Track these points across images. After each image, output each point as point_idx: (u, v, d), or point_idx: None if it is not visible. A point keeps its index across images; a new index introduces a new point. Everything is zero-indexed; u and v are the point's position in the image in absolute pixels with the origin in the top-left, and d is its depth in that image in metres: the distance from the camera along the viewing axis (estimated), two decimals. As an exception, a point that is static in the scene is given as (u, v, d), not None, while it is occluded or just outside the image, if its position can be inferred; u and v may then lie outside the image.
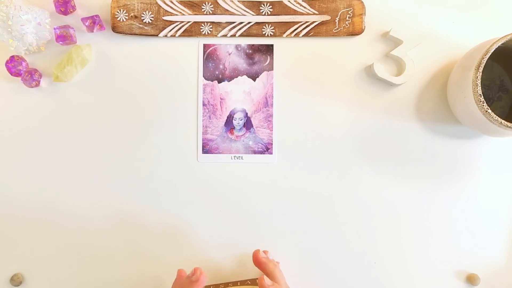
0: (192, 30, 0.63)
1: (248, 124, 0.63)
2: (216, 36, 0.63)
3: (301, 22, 0.63)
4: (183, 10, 0.62)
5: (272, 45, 0.63)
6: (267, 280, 0.52)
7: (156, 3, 0.62)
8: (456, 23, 0.63)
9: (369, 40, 0.63)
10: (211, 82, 0.63)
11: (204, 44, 0.63)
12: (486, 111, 0.52)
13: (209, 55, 0.63)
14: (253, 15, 0.63)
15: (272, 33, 0.63)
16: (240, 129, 0.63)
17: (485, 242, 0.63)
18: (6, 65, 0.60)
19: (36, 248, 0.62)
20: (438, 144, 0.63)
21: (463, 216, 0.63)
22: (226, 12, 0.63)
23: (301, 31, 0.63)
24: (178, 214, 0.62)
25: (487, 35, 0.58)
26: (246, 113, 0.63)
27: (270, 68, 0.63)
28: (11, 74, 0.60)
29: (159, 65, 0.63)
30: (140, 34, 0.62)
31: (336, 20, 0.62)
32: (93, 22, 0.61)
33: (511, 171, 0.63)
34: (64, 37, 0.60)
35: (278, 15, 0.63)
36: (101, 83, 0.63)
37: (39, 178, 0.62)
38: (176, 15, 0.62)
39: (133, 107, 0.63)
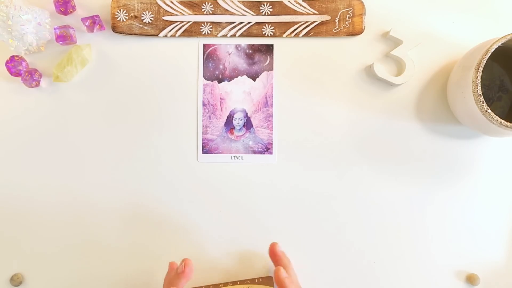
0: (192, 30, 0.63)
1: (248, 124, 0.63)
2: (216, 36, 0.63)
3: (301, 22, 0.63)
4: (183, 10, 0.62)
5: (272, 45, 0.63)
6: (283, 272, 0.52)
7: (156, 3, 0.62)
8: (456, 23, 0.63)
9: (369, 40, 0.63)
10: (211, 82, 0.63)
11: (204, 44, 0.63)
12: (486, 111, 0.52)
13: (209, 55, 0.63)
14: (253, 15, 0.63)
15: (272, 33, 0.63)
16: (240, 129, 0.63)
17: (485, 242, 0.63)
18: (6, 65, 0.60)
19: (36, 248, 0.62)
20: (438, 144, 0.63)
21: (463, 216, 0.63)
22: (226, 12, 0.63)
23: (301, 31, 0.63)
24: (178, 214, 0.62)
25: (487, 35, 0.58)
26: (246, 113, 0.63)
27: (270, 68, 0.63)
28: (11, 74, 0.60)
29: (159, 65, 0.63)
30: (140, 34, 0.62)
31: (336, 20, 0.62)
32: (93, 22, 0.61)
33: (511, 171, 0.63)
34: (64, 37, 0.60)
35: (278, 15, 0.63)
36: (101, 83, 0.63)
37: (39, 178, 0.62)
38: (176, 15, 0.62)
39: (133, 107, 0.63)
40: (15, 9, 0.58)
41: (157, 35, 0.62)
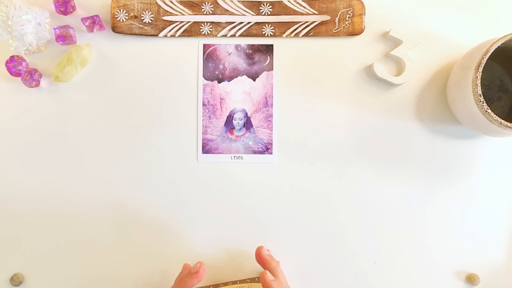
0: (192, 30, 0.63)
1: (248, 124, 0.63)
2: (216, 36, 0.63)
3: (301, 22, 0.63)
4: (183, 10, 0.62)
5: (272, 45, 0.63)
6: (269, 275, 0.52)
7: (156, 3, 0.62)
8: (456, 23, 0.63)
9: (369, 40, 0.63)
10: (211, 82, 0.63)
11: (204, 44, 0.63)
12: (486, 111, 0.52)
13: (209, 55, 0.63)
14: (253, 15, 0.63)
15: (272, 33, 0.63)
16: (240, 129, 0.63)
17: (485, 242, 0.63)
18: (6, 65, 0.60)
19: (36, 248, 0.62)
20: (438, 144, 0.63)
21: (463, 216, 0.63)
22: (226, 12, 0.63)
23: (301, 31, 0.63)
24: (178, 214, 0.62)
25: (487, 35, 0.58)
26: (246, 113, 0.63)
27: (270, 68, 0.63)
28: (11, 74, 0.60)
29: (159, 65, 0.63)
30: (140, 34, 0.62)
31: (336, 20, 0.62)
32: (93, 22, 0.61)
33: (511, 171, 0.63)
34: (64, 37, 0.60)
35: (278, 15, 0.63)
36: (101, 83, 0.63)
37: (39, 178, 0.62)
38: (176, 15, 0.62)
39: (133, 107, 0.63)
40: (15, 9, 0.58)
41: (157, 35, 0.62)
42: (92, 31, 0.62)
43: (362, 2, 0.62)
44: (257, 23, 0.63)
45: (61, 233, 0.62)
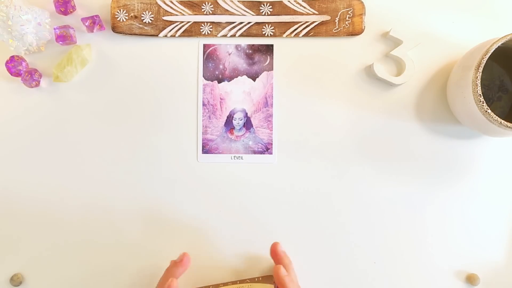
0: (192, 30, 0.63)
1: (248, 124, 0.63)
2: (216, 36, 0.63)
3: (301, 22, 0.63)
4: (183, 10, 0.62)
5: (272, 45, 0.63)
6: (283, 270, 0.53)
7: (156, 3, 0.62)
8: (456, 23, 0.63)
9: (369, 40, 0.63)
10: (211, 82, 0.63)
11: (204, 44, 0.63)
12: (486, 111, 0.52)
13: (209, 55, 0.63)
14: (253, 15, 0.63)
15: (272, 33, 0.63)
16: (240, 129, 0.63)
17: (485, 242, 0.63)
18: (6, 65, 0.60)
19: (36, 248, 0.62)
20: (438, 144, 0.63)
21: (463, 216, 0.63)
22: (226, 12, 0.63)
23: (301, 31, 0.63)
24: (178, 214, 0.62)
25: (487, 35, 0.58)
26: (246, 113, 0.63)
27: (270, 68, 0.63)
28: (11, 74, 0.60)
29: (159, 65, 0.63)
30: (140, 34, 0.62)
31: (336, 20, 0.62)
32: (93, 22, 0.61)
33: (511, 171, 0.63)
34: (64, 37, 0.60)
35: (278, 15, 0.63)
36: (101, 83, 0.63)
37: (39, 178, 0.62)
38: (176, 15, 0.62)
39: (133, 107, 0.63)
40: (15, 9, 0.58)
41: (157, 35, 0.62)
42: (92, 31, 0.62)
43: (362, 2, 0.62)
44: (257, 23, 0.63)
45: (61, 233, 0.62)
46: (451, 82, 0.59)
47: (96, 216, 0.62)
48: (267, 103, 0.63)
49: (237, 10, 0.63)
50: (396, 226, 0.63)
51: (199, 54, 0.63)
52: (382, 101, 0.63)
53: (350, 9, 0.62)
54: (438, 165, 0.63)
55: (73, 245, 0.62)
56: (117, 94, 0.63)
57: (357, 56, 0.63)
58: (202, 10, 0.62)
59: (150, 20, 0.62)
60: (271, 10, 0.62)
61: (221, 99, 0.63)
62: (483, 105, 0.52)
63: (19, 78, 0.61)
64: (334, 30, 0.63)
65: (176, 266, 0.56)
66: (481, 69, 0.52)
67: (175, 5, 0.62)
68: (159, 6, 0.62)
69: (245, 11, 0.63)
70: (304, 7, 0.62)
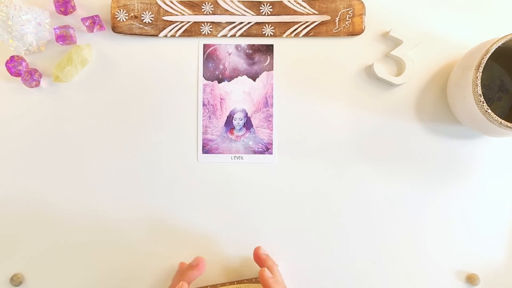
0: (192, 30, 0.63)
1: (248, 124, 0.63)
2: (216, 36, 0.63)
3: (301, 22, 0.63)
4: (183, 10, 0.62)
5: (272, 45, 0.63)
6: (267, 272, 0.54)
7: (156, 3, 0.62)
8: (456, 23, 0.63)
9: (369, 40, 0.63)
10: (211, 82, 0.63)
11: (204, 44, 0.63)
12: (486, 111, 0.52)
13: (209, 55, 0.63)
14: (253, 15, 0.63)
15: (272, 33, 0.63)
16: (240, 129, 0.63)
17: (485, 242, 0.63)
18: (6, 65, 0.60)
19: (36, 248, 0.62)
20: (438, 144, 0.63)
21: (463, 216, 0.63)
22: (226, 12, 0.63)
23: (301, 31, 0.63)
24: (178, 214, 0.62)
25: (487, 35, 0.58)
26: (246, 113, 0.63)
27: (270, 68, 0.63)
28: (11, 74, 0.60)
29: (159, 65, 0.63)
30: (140, 34, 0.62)
31: (336, 20, 0.62)
32: (93, 22, 0.61)
33: (511, 171, 0.63)
34: (64, 37, 0.60)
35: (278, 15, 0.63)
36: (101, 83, 0.63)
37: (39, 178, 0.62)
38: (176, 15, 0.62)
39: (133, 107, 0.63)
40: (15, 9, 0.58)
41: (157, 35, 0.62)
42: (92, 31, 0.62)
43: (362, 2, 0.62)
44: (257, 23, 0.63)
45: (61, 233, 0.62)
46: (451, 82, 0.59)
47: (96, 216, 0.62)
48: (267, 103, 0.63)
49: (237, 10, 0.63)
50: (396, 226, 0.63)
51: (199, 54, 0.63)
52: (382, 101, 0.63)
53: (350, 9, 0.62)
54: (438, 165, 0.63)
55: (73, 245, 0.62)
56: (117, 94, 0.63)
57: (357, 56, 0.63)
58: (202, 10, 0.62)
59: (150, 20, 0.62)
60: (271, 10, 0.62)
61: (221, 99, 0.63)
62: (483, 105, 0.52)
63: (19, 78, 0.61)
64: (334, 30, 0.63)
65: (192, 269, 0.56)
66: (481, 69, 0.52)
67: (175, 5, 0.62)
68: (159, 6, 0.62)
69: (245, 11, 0.63)
70: (304, 7, 0.62)
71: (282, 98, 0.63)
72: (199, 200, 0.62)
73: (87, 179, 0.62)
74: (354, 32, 0.62)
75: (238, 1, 0.63)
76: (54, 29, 0.60)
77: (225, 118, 0.63)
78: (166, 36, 0.62)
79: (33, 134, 0.62)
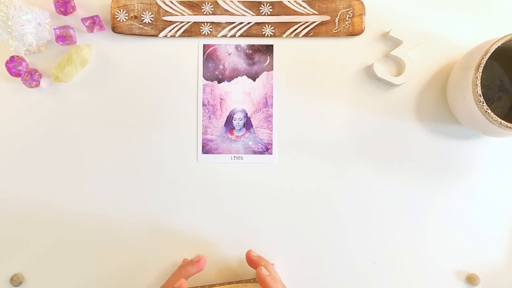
0: (192, 30, 0.63)
1: (248, 124, 0.63)
2: (216, 36, 0.63)
3: (301, 22, 0.63)
4: (183, 11, 0.62)
5: (272, 45, 0.63)
6: (264, 270, 0.54)
7: (156, 3, 0.62)
8: (456, 23, 0.63)
9: (369, 40, 0.63)
10: (211, 82, 0.63)
11: (204, 44, 0.63)
12: (486, 111, 0.52)
13: (209, 55, 0.63)
14: (253, 15, 0.63)
15: (272, 33, 0.63)
16: (240, 129, 0.63)
17: (485, 242, 0.63)
18: (6, 65, 0.60)
19: (36, 248, 0.62)
20: (438, 144, 0.63)
21: (463, 216, 0.63)
22: (226, 12, 0.63)
23: (301, 31, 0.63)
24: (178, 214, 0.62)
25: (487, 35, 0.58)
26: (246, 113, 0.63)
27: (270, 68, 0.63)
28: (11, 74, 0.60)
29: (159, 65, 0.63)
30: (140, 34, 0.62)
31: (336, 20, 0.62)
32: (93, 22, 0.61)
33: (511, 171, 0.63)
34: (64, 37, 0.60)
35: (278, 15, 0.63)
36: (101, 83, 0.63)
37: (39, 178, 0.62)
38: (176, 15, 0.62)
39: (133, 107, 0.63)
40: (15, 9, 0.58)
41: (157, 35, 0.62)
42: (92, 31, 0.62)
43: (362, 2, 0.62)
44: (257, 23, 0.63)
45: (61, 233, 0.62)
46: (451, 82, 0.59)
47: (96, 216, 0.62)
48: (267, 103, 0.63)
49: (237, 10, 0.63)
50: (396, 226, 0.63)
51: (199, 54, 0.63)
52: (382, 101, 0.63)
53: (350, 9, 0.62)
54: (438, 165, 0.63)
55: (73, 245, 0.62)
56: (117, 94, 0.63)
57: (357, 56, 0.63)
58: (202, 10, 0.63)
59: (150, 20, 0.62)
60: (271, 10, 0.62)
61: (221, 99, 0.63)
62: (483, 105, 0.52)
63: (19, 78, 0.61)
64: (334, 30, 0.63)
65: (192, 265, 0.57)
66: (481, 69, 0.52)
67: (175, 5, 0.62)
68: (159, 6, 0.62)
69: (245, 11, 0.63)
70: (304, 7, 0.62)
71: (282, 98, 0.63)
72: (199, 200, 0.62)
73: (87, 179, 0.62)
74: (354, 32, 0.62)
75: (238, 1, 0.63)
76: (54, 29, 0.60)
77: (225, 118, 0.63)
78: (166, 36, 0.62)
79: (33, 134, 0.62)
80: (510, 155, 0.63)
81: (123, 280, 0.62)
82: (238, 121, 0.63)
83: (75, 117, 0.62)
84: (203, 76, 0.63)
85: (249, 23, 0.63)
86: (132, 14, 0.62)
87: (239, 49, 0.63)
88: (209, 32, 0.63)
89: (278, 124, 0.63)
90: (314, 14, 0.63)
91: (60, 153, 0.62)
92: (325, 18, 0.63)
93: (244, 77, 0.63)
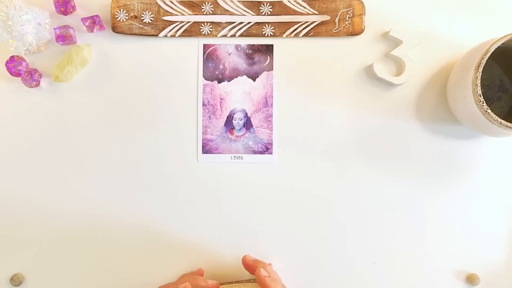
0: (192, 30, 0.63)
1: (248, 124, 0.63)
2: (216, 36, 0.63)
3: (301, 22, 0.63)
4: (183, 10, 0.62)
5: (272, 45, 0.63)
6: (263, 271, 0.54)
7: (156, 3, 0.62)
8: (456, 23, 0.63)
9: (369, 40, 0.63)
10: (211, 82, 0.63)
11: (204, 44, 0.63)
12: (486, 111, 0.52)
13: (209, 55, 0.63)
14: (253, 15, 0.63)
15: (272, 33, 0.63)
16: (240, 129, 0.63)
17: (485, 242, 0.63)
18: (6, 65, 0.60)
19: (36, 248, 0.62)
20: (438, 144, 0.63)
21: (463, 216, 0.63)
22: (226, 12, 0.63)
23: (301, 31, 0.63)
24: (178, 214, 0.62)
25: (487, 35, 0.58)
26: (246, 113, 0.63)
27: (270, 68, 0.63)
28: (11, 74, 0.60)
29: (159, 65, 0.63)
30: (140, 34, 0.62)
31: (336, 20, 0.62)
32: (93, 22, 0.61)
33: (511, 171, 0.63)
34: (64, 37, 0.60)
35: (278, 15, 0.63)
36: (101, 83, 0.63)
37: (39, 178, 0.62)
38: (176, 15, 0.62)
39: (133, 107, 0.63)
40: (15, 9, 0.58)
41: (157, 35, 0.62)
42: (92, 31, 0.62)
43: (362, 2, 0.62)
44: (257, 23, 0.63)
45: (61, 233, 0.62)
46: (451, 82, 0.59)
47: (96, 216, 0.62)
48: (267, 103, 0.63)
49: (237, 10, 0.63)
50: (396, 226, 0.63)
51: (199, 54, 0.63)
52: (382, 101, 0.63)
53: (350, 9, 0.62)
54: (438, 165, 0.63)
55: (73, 245, 0.62)
56: (117, 94, 0.63)
57: (357, 56, 0.63)
58: (202, 10, 0.63)
59: (150, 20, 0.62)
60: (271, 10, 0.62)
61: (221, 99, 0.63)
62: (483, 105, 0.52)
63: (19, 78, 0.61)
64: (334, 30, 0.63)
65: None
66: (481, 69, 0.52)
67: (175, 5, 0.62)
68: (159, 6, 0.62)
69: (245, 11, 0.63)
70: (304, 7, 0.62)
71: (282, 98, 0.63)
72: (198, 200, 0.62)
73: (87, 179, 0.62)
74: (354, 32, 0.62)
75: (238, 1, 0.63)
76: (54, 29, 0.60)
77: (225, 118, 0.63)
78: (166, 36, 0.62)
79: (33, 134, 0.62)
80: (510, 155, 0.63)
81: (123, 279, 0.62)
82: (238, 121, 0.63)
83: (75, 117, 0.62)
84: (203, 76, 0.63)
85: (249, 23, 0.63)
86: (132, 14, 0.62)
87: (239, 49, 0.63)
88: (209, 32, 0.63)
89: (278, 124, 0.63)
90: (314, 14, 0.63)
91: (60, 153, 0.62)
92: (325, 18, 0.63)
93: (244, 77, 0.63)
